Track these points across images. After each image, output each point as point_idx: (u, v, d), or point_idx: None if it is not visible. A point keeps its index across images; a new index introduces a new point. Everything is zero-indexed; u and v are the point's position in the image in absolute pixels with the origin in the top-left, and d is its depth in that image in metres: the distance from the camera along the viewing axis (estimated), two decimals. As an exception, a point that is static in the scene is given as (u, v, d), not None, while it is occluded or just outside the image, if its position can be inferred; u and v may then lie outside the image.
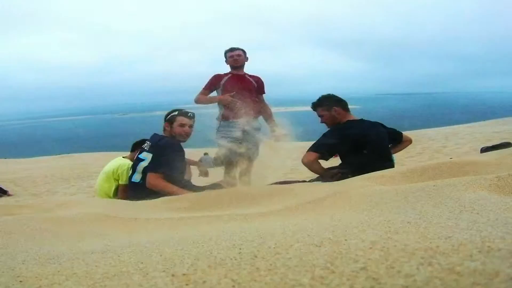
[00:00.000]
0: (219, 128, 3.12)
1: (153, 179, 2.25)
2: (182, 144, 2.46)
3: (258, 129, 3.23)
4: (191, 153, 2.49)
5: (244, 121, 3.05)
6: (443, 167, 1.47)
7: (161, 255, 0.57)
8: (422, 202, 0.84)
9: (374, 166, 1.91)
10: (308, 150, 2.26)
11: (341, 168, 2.24)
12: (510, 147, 2.69)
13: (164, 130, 2.51)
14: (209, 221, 1.02)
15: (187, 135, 2.49)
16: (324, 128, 2.46)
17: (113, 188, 2.69)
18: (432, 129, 13.19)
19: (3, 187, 6.21)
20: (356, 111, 2.63)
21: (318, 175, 2.29)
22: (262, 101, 3.29)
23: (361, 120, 2.42)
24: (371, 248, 0.50)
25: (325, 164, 2.34)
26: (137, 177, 2.38)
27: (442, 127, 13.46)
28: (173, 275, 0.48)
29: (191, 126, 2.51)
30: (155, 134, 2.52)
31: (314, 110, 2.51)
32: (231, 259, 0.52)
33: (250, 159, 3.20)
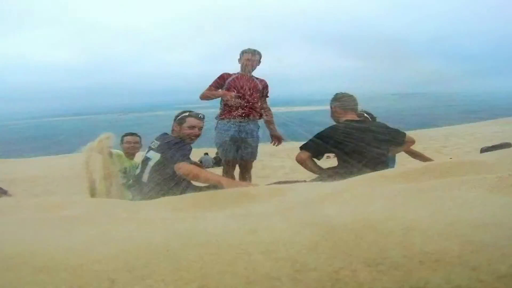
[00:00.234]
0: (217, 127, 3.13)
1: (185, 167, 2.13)
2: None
3: (257, 130, 3.23)
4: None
5: (242, 120, 3.05)
6: (443, 167, 1.46)
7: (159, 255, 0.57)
8: (422, 202, 0.84)
9: (367, 168, 1.91)
10: (300, 148, 2.29)
11: (339, 168, 2.24)
12: (510, 147, 2.68)
13: (173, 131, 2.48)
14: (206, 221, 1.01)
15: (196, 137, 2.47)
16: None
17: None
18: (432, 129, 13.18)
19: (3, 187, 6.21)
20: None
21: (317, 175, 2.29)
22: (265, 103, 3.30)
23: (361, 121, 2.40)
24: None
25: (326, 164, 2.34)
26: (145, 177, 2.36)
27: (442, 127, 13.46)
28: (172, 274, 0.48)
29: (200, 128, 2.48)
30: (164, 134, 2.49)
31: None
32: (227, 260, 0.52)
33: (249, 159, 3.20)
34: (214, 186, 2.44)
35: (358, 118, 2.42)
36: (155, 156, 2.33)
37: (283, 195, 1.40)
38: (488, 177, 1.00)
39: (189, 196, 1.59)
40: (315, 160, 2.28)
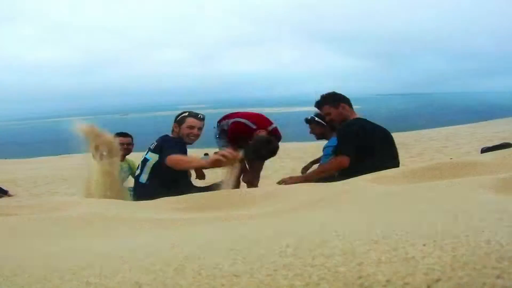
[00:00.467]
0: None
1: (173, 157, 2.15)
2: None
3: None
4: (191, 153, 2.47)
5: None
6: (444, 168, 1.46)
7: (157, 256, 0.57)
8: (422, 203, 0.83)
9: (383, 164, 1.88)
10: (337, 155, 2.15)
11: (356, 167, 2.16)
12: (510, 147, 2.68)
13: (173, 131, 2.48)
14: (206, 223, 1.01)
15: (195, 137, 2.46)
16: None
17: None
18: (433, 129, 13.18)
19: (3, 187, 6.21)
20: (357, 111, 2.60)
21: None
22: None
23: (365, 119, 2.37)
24: (369, 250, 0.50)
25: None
26: (143, 178, 2.36)
27: (443, 127, 13.45)
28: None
29: (200, 129, 2.47)
30: (165, 135, 2.49)
31: (319, 108, 2.43)
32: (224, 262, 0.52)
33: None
34: (216, 185, 2.43)
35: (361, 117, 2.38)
36: (153, 157, 2.34)
37: (285, 196, 1.40)
38: (488, 177, 1.00)
39: (187, 197, 1.59)
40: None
